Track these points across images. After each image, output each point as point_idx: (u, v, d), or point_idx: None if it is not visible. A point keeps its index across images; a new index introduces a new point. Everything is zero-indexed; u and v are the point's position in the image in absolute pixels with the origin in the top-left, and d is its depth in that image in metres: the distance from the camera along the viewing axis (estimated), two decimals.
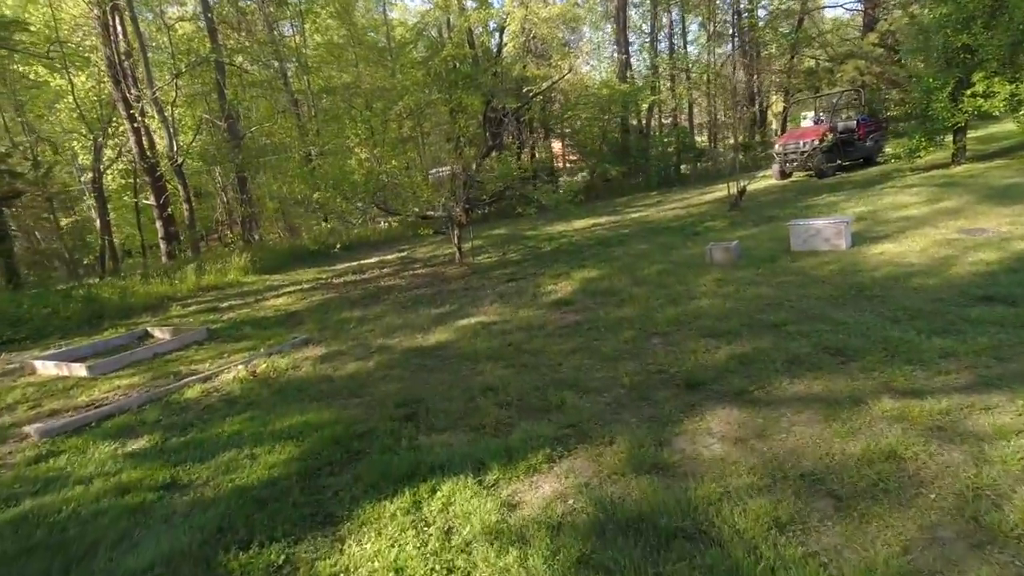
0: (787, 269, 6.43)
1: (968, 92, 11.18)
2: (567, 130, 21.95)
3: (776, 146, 15.82)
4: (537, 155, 21.61)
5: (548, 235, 12.42)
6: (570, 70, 14.49)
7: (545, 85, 15.00)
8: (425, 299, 7.86)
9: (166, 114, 16.75)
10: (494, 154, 12.97)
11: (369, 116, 12.32)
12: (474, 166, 10.82)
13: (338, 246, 12.17)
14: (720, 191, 15.90)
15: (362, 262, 12.49)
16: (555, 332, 5.55)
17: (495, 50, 17.81)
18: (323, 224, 15.23)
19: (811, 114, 24.23)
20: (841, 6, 25.57)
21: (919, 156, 12.56)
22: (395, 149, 11.70)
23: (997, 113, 11.40)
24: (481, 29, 17.75)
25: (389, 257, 12.80)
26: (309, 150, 14.69)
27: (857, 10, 23.72)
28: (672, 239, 9.61)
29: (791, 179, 15.88)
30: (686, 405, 3.60)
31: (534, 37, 16.67)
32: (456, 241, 10.23)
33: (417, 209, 10.02)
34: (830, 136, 14.35)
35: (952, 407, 3.10)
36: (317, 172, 10.98)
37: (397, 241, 15.47)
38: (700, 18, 26.20)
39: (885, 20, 19.62)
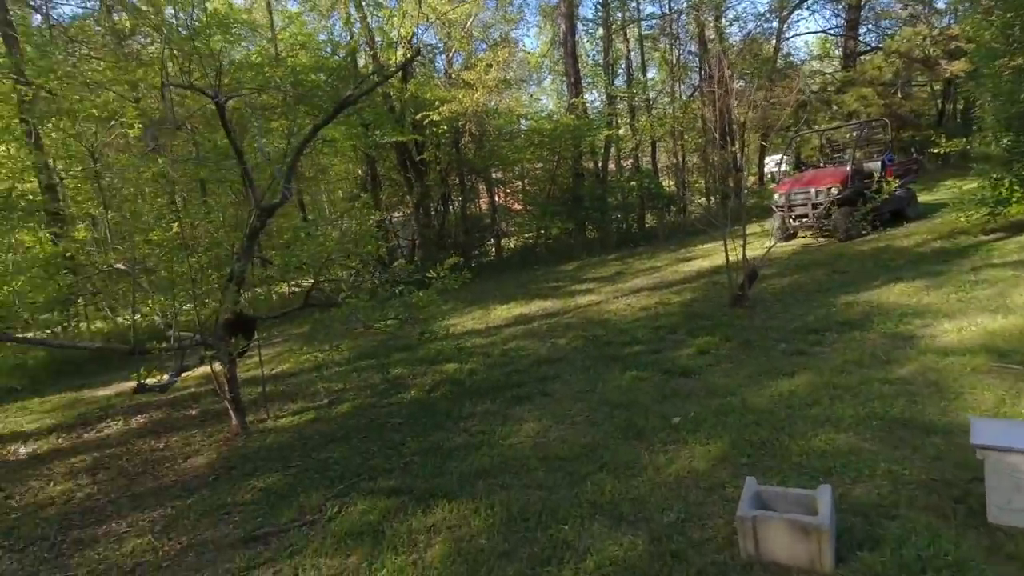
0: None
1: None
2: (497, 175, 17.35)
3: (776, 196, 11.48)
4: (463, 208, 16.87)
5: (432, 343, 7.33)
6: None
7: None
8: None
9: None
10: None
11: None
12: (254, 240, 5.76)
13: None
14: (700, 257, 11.42)
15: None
16: None
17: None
18: None
19: (776, 156, 20.40)
20: (826, 32, 22.14)
21: (1002, 211, 8.30)
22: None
23: None
24: (381, 40, 13.22)
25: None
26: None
27: (840, 34, 20.42)
28: (638, 387, 4.81)
29: (796, 240, 11.55)
30: None
31: (448, 49, 12.33)
32: (227, 393, 5.19)
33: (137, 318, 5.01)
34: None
35: None
36: None
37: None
38: (660, 50, 22.57)
39: (891, 40, 16.05)
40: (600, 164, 19.51)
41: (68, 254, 5.72)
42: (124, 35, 13.01)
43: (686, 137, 21.15)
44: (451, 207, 17.38)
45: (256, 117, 9.05)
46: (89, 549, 3.46)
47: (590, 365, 5.70)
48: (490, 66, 11.79)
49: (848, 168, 10.67)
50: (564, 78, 21.07)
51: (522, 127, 15.66)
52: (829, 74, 22.41)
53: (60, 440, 5.88)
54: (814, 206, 10.57)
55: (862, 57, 21.87)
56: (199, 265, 4.88)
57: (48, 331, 10.47)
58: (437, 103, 10.48)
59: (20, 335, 5.34)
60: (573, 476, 3.44)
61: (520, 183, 18.81)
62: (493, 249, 17.53)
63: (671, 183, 22.25)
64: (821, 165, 12.72)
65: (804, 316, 6.19)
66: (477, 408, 4.91)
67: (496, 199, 18.36)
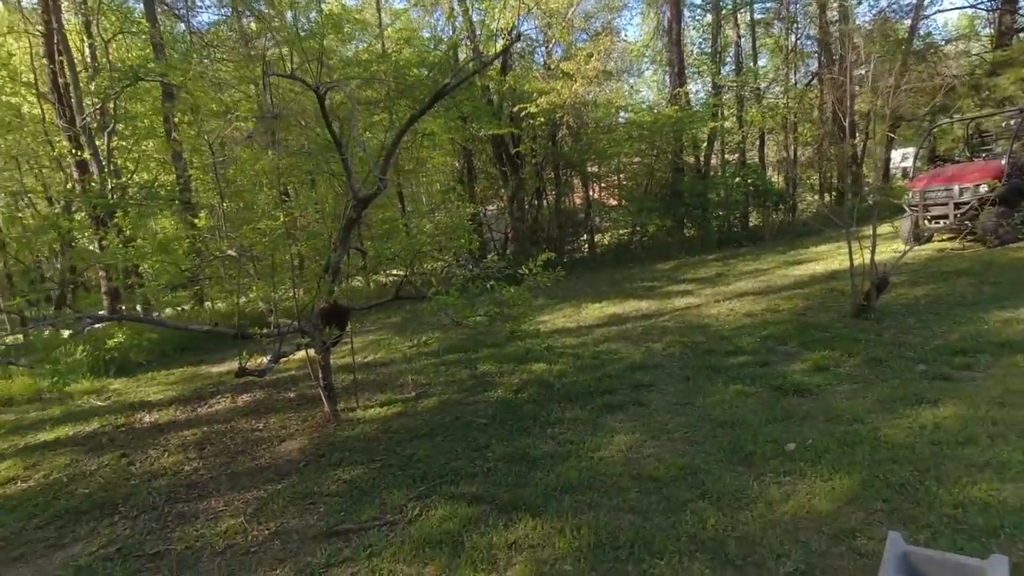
0: None
1: None
2: (593, 169, 16.89)
3: (909, 194, 10.19)
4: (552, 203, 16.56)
5: (521, 341, 7.20)
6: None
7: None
8: None
9: (97, 144, 13.09)
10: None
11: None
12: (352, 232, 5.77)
13: None
14: (813, 260, 10.43)
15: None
16: None
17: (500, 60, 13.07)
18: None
19: (908, 150, 18.25)
20: (975, 7, 19.51)
21: None
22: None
23: None
24: (481, 33, 13.20)
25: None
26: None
27: (994, 8, 17.86)
28: (744, 404, 4.33)
29: (931, 244, 10.19)
30: None
31: (548, 41, 12.09)
32: (321, 380, 5.33)
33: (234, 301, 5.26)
34: None
35: None
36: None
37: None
38: (774, 36, 20.91)
39: None
40: (702, 158, 18.45)
41: (187, 240, 6.12)
42: (250, 38, 14.02)
43: (800, 129, 19.51)
44: (545, 201, 17.19)
45: (358, 110, 9.34)
46: (189, 524, 3.61)
47: (689, 375, 5.27)
48: (591, 56, 11.42)
49: (1003, 162, 9.23)
50: (667, 68, 20.11)
51: (621, 119, 15.10)
52: (976, 55, 19.71)
53: (177, 412, 6.34)
54: (957, 206, 9.26)
55: (1021, 34, 19.04)
56: (299, 254, 5.01)
57: (177, 309, 11.48)
58: (535, 95, 10.30)
59: (143, 315, 5.76)
60: (670, 502, 3.11)
61: (616, 177, 18.23)
62: (587, 245, 17.15)
63: (779, 179, 20.66)
64: (965, 157, 11.13)
65: (947, 333, 5.35)
66: (565, 414, 4.66)
67: (591, 194, 17.92)
